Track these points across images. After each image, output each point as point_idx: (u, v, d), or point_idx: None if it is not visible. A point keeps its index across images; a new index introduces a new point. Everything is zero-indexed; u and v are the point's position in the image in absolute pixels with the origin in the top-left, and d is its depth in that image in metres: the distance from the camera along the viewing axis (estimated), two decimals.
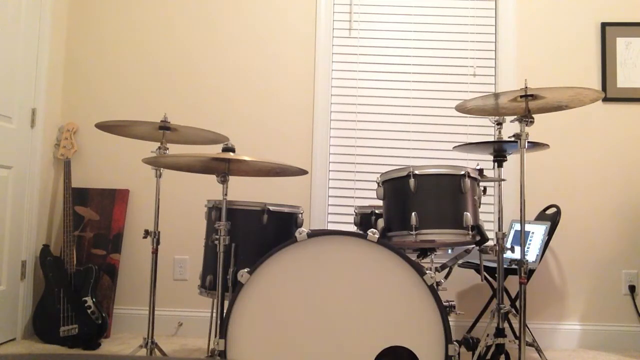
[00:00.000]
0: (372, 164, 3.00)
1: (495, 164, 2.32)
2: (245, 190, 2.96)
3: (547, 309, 2.88)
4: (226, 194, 1.88)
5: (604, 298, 2.88)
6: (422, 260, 2.06)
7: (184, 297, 2.94)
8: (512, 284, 2.75)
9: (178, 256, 2.96)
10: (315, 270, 1.68)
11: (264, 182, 2.98)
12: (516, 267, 1.90)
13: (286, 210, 2.02)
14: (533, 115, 1.92)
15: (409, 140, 3.01)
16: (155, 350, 2.14)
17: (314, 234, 1.69)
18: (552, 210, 2.64)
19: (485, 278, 2.54)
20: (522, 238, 1.91)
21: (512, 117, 1.99)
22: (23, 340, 2.67)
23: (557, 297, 2.89)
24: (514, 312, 2.25)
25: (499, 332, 2.18)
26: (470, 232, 1.79)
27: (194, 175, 2.98)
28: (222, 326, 1.68)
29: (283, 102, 3.02)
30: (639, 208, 2.91)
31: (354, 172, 3.01)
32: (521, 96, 1.90)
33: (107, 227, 2.88)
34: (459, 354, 1.65)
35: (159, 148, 2.13)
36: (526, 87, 1.85)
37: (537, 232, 2.50)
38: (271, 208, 1.97)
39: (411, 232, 1.78)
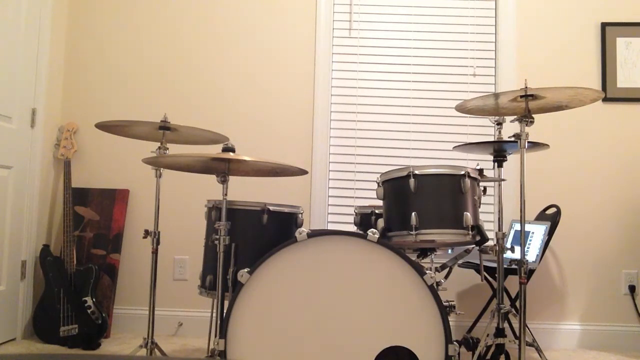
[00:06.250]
0: (372, 164, 3.00)
1: (495, 164, 2.32)
2: (245, 190, 2.96)
3: (547, 309, 2.88)
4: (226, 194, 1.88)
5: (604, 298, 2.88)
6: (422, 260, 2.06)
7: (184, 297, 2.94)
8: (512, 284, 2.75)
9: (178, 256, 2.96)
10: (315, 270, 1.68)
11: (264, 182, 2.98)
12: (516, 267, 1.90)
13: (286, 210, 2.02)
14: (533, 115, 1.92)
15: (409, 140, 3.01)
16: (155, 350, 2.14)
17: (314, 234, 1.69)
18: (552, 210, 2.64)
19: (485, 278, 2.54)
20: (522, 238, 1.91)
21: (512, 117, 1.99)
22: (23, 340, 2.67)
23: (557, 297, 2.89)
24: (514, 312, 2.25)
25: (499, 332, 2.19)
26: (470, 232, 1.79)
27: (194, 175, 2.98)
28: (222, 326, 1.68)
29: (283, 102, 3.02)
30: (639, 208, 2.91)
31: (354, 172, 3.01)
32: (521, 96, 1.90)
33: (107, 227, 2.88)
34: (459, 354, 1.65)
35: (159, 148, 2.13)
36: (526, 87, 1.85)
37: (537, 232, 2.50)
38: (271, 208, 1.97)
39: (411, 232, 1.78)
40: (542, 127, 2.95)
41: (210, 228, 2.01)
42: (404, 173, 1.82)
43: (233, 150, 1.83)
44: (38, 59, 2.81)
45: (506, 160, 2.33)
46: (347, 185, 3.01)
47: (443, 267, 2.04)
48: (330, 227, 2.97)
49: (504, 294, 2.33)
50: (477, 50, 3.04)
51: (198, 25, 3.07)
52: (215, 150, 2.63)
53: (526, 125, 1.91)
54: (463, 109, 2.09)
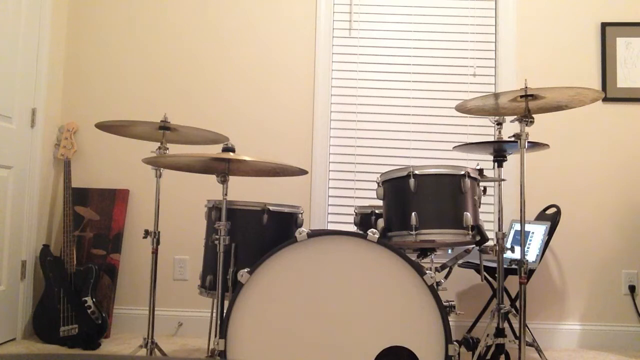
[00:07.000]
0: (372, 164, 3.00)
1: (495, 164, 2.32)
2: (245, 190, 2.96)
3: (547, 309, 2.88)
4: (226, 194, 1.88)
5: (604, 298, 2.88)
6: (422, 260, 2.06)
7: (184, 297, 2.94)
8: (512, 284, 2.75)
9: (178, 256, 2.96)
10: (315, 270, 1.68)
11: (264, 182, 2.98)
12: (516, 267, 1.90)
13: (286, 210, 2.02)
14: (533, 115, 1.92)
15: (409, 140, 3.01)
16: (155, 350, 2.14)
17: (314, 234, 1.69)
18: (552, 210, 2.64)
19: (485, 278, 2.54)
20: (522, 238, 1.91)
21: (512, 117, 1.99)
22: (23, 340, 2.67)
23: (557, 297, 2.89)
24: (514, 312, 2.25)
25: (499, 332, 2.18)
26: (470, 232, 1.79)
27: (194, 175, 2.98)
28: (222, 326, 1.68)
29: (283, 102, 3.02)
30: (639, 208, 2.91)
31: (354, 172, 3.01)
32: (521, 96, 1.90)
33: (107, 227, 2.88)
34: (459, 354, 1.65)
35: (159, 148, 2.13)
36: (526, 87, 1.85)
37: (537, 232, 2.50)
38: (271, 208, 1.97)
39: (411, 232, 1.78)
40: (542, 127, 2.95)
41: (210, 228, 2.01)
42: (404, 173, 1.82)
43: (233, 150, 1.83)
44: (38, 59, 2.81)
45: (506, 160, 2.32)
46: (347, 185, 3.01)
47: (443, 267, 2.04)
48: (330, 227, 2.97)
49: (504, 294, 2.33)
50: (477, 50, 3.03)
51: (198, 25, 3.07)
52: (215, 150, 2.63)
53: (526, 125, 1.91)
54: (463, 109, 2.09)
